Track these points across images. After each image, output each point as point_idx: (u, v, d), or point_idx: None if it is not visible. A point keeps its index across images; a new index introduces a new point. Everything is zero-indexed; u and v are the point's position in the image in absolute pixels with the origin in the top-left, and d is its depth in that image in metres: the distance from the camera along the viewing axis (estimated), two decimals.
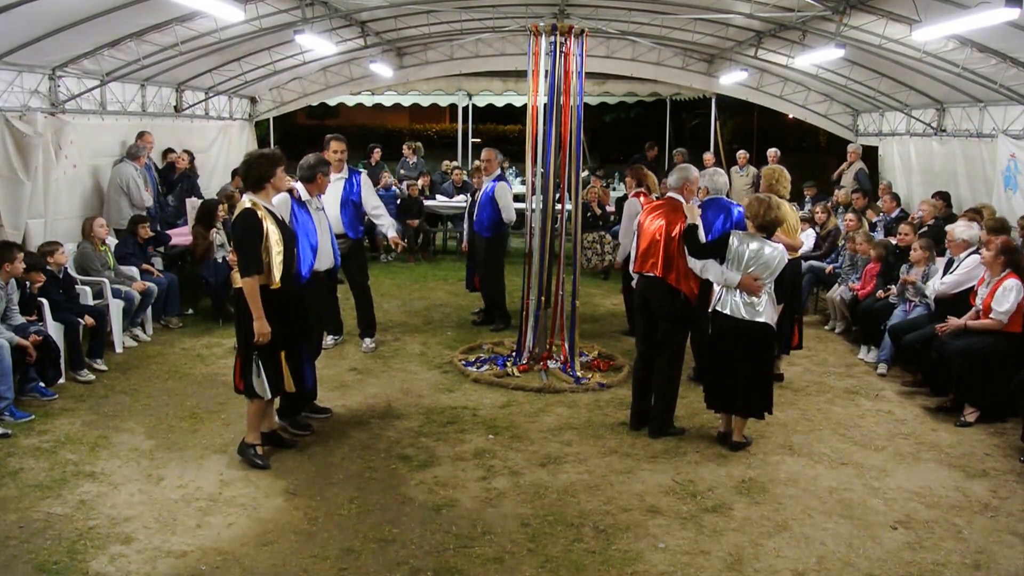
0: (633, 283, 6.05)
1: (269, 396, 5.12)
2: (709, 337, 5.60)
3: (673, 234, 5.57)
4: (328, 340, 7.74)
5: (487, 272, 8.54)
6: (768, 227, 5.35)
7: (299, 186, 5.92)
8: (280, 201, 5.39)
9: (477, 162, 9.56)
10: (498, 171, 8.50)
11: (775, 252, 5.29)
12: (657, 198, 6.81)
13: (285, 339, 5.10)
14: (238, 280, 4.99)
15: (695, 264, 5.48)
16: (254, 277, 4.89)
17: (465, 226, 9.09)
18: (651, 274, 5.67)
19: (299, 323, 5.29)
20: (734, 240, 5.33)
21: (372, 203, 7.50)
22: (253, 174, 5.06)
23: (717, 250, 5.37)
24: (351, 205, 7.36)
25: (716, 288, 5.52)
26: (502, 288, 8.63)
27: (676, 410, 5.86)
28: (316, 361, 5.95)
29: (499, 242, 8.70)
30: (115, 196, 9.01)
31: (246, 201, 5.02)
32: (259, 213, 4.93)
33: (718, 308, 5.44)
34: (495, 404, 6.35)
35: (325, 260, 6.00)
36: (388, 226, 7.68)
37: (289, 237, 5.13)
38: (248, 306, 4.91)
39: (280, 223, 5.07)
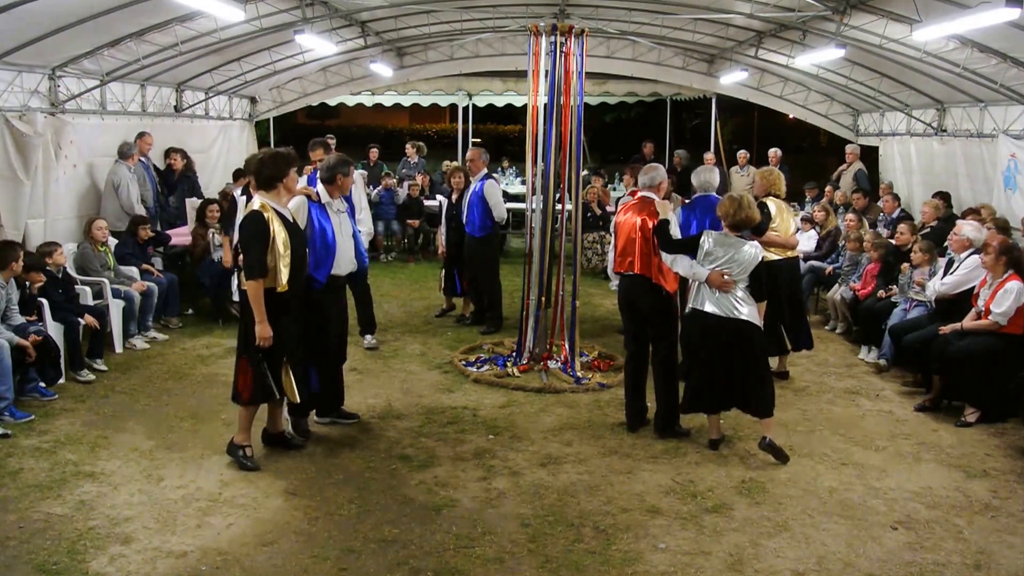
0: (612, 285, 6.01)
1: (276, 396, 5.11)
2: (689, 337, 5.52)
3: (647, 230, 5.56)
4: (369, 339, 7.76)
5: (484, 273, 8.45)
6: (740, 226, 5.28)
7: (320, 188, 5.66)
8: (297, 204, 5.30)
9: (447, 163, 9.46)
10: (484, 171, 8.40)
11: (750, 250, 5.23)
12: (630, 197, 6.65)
13: (288, 344, 5.06)
14: (244, 282, 4.97)
15: (666, 257, 5.47)
16: (258, 280, 4.86)
17: (442, 230, 8.95)
18: (630, 272, 5.69)
19: (307, 328, 5.23)
20: (707, 241, 5.28)
21: (361, 204, 7.32)
22: (265, 173, 5.01)
23: (688, 248, 5.35)
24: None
25: (693, 286, 5.45)
26: (499, 289, 8.56)
27: (675, 410, 5.82)
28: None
29: (492, 242, 8.59)
30: (109, 197, 8.98)
31: (255, 202, 4.98)
32: (266, 215, 4.89)
33: (696, 306, 5.36)
34: (495, 404, 6.35)
35: (345, 264, 5.66)
36: (364, 234, 7.35)
37: (299, 240, 5.07)
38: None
39: (290, 225, 5.01)
